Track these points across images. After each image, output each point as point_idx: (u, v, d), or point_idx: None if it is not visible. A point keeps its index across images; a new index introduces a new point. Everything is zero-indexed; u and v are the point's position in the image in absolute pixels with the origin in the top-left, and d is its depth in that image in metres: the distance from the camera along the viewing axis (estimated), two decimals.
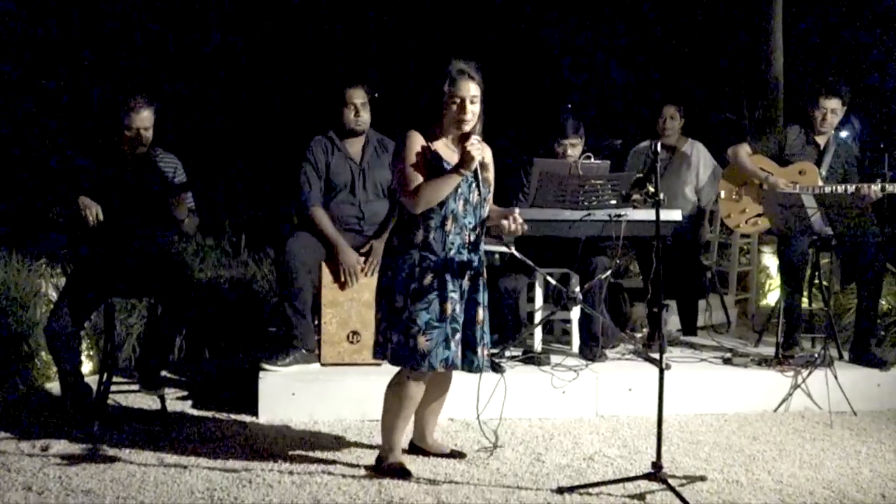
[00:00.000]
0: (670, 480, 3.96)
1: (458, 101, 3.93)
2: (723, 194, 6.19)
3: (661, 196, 3.98)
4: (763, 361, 5.56)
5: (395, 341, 3.99)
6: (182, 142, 9.56)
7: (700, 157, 6.62)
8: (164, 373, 5.78)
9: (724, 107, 10.35)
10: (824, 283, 6.00)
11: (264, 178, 8.54)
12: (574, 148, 5.69)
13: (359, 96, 5.38)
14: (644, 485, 4.03)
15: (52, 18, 10.26)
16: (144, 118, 4.69)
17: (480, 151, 3.87)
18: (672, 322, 6.82)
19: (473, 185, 3.98)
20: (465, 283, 4.04)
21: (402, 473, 4.10)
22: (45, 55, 10.13)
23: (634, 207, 5.39)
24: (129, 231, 4.71)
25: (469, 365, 4.09)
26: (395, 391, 4.11)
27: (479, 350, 4.08)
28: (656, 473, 3.96)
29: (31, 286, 6.04)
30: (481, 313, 4.08)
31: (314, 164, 5.39)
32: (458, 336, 4.01)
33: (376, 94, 5.46)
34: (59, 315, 4.64)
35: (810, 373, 5.33)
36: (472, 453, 4.47)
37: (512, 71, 11.52)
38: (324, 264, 5.27)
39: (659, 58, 11.88)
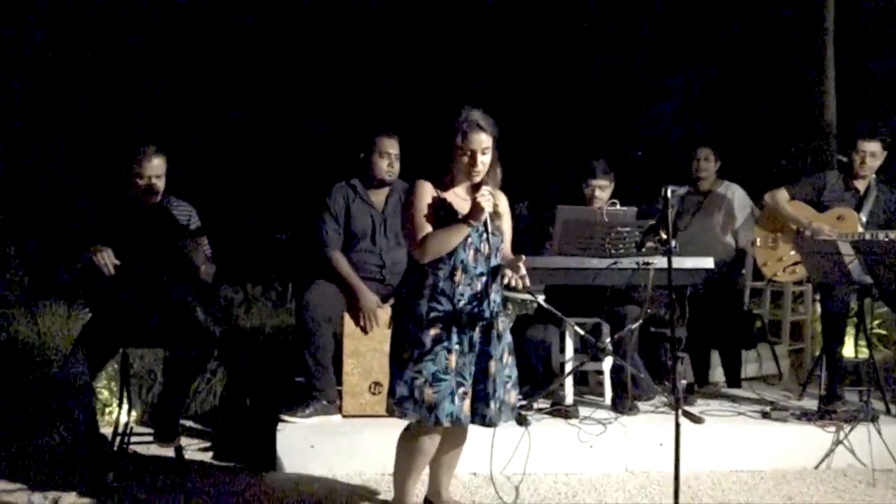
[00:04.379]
0: None
1: (468, 153, 3.85)
2: (759, 241, 5.99)
3: (674, 244, 3.83)
4: (804, 415, 5.31)
5: (401, 393, 3.88)
6: (222, 192, 9.75)
7: (736, 199, 6.43)
8: (190, 423, 5.80)
9: (776, 152, 10.10)
10: (869, 331, 5.74)
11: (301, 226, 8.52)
12: (602, 191, 5.56)
13: (393, 146, 5.34)
14: None
15: (62, 67, 10.43)
16: (156, 166, 4.67)
17: (491, 202, 3.77)
18: (717, 373, 6.61)
19: (484, 234, 3.88)
20: (476, 335, 3.91)
21: None
22: (55, 103, 10.30)
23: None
24: (144, 281, 4.68)
25: (482, 419, 3.94)
26: (405, 445, 3.99)
27: (493, 404, 3.93)
28: None
29: (74, 334, 6.05)
30: (493, 366, 3.92)
31: (332, 210, 5.34)
32: (463, 390, 3.86)
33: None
34: (73, 364, 4.60)
35: (853, 428, 5.08)
36: None
37: (544, 114, 11.46)
38: (346, 314, 5.20)
39: (709, 103, 11.71)
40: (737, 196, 6.46)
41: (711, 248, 6.24)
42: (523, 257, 3.86)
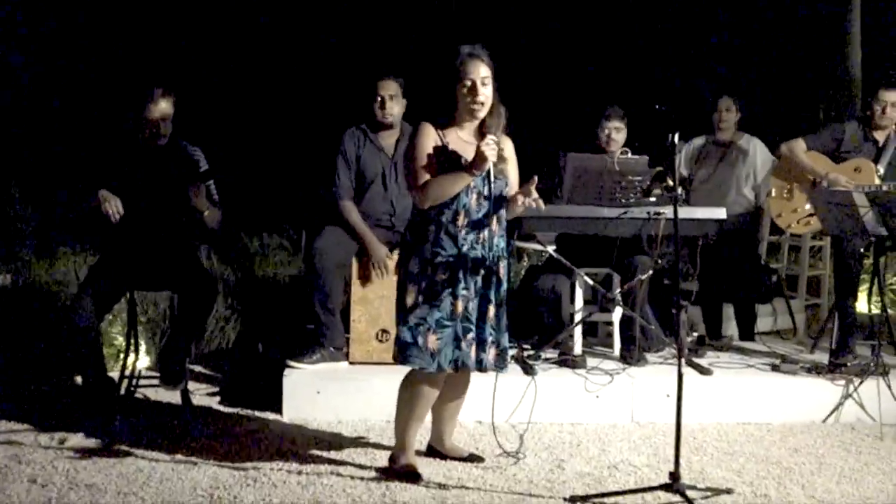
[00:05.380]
0: (689, 493, 3.76)
1: (468, 83, 3.78)
2: (773, 192, 5.91)
3: (680, 191, 3.77)
4: (814, 369, 5.26)
5: (404, 339, 3.87)
6: (238, 139, 9.71)
7: (757, 153, 6.34)
8: (200, 369, 5.82)
9: (797, 103, 9.95)
10: (886, 286, 5.66)
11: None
12: (618, 133, 5.50)
13: (386, 88, 5.27)
14: (663, 496, 3.82)
15: (67, 8, 10.36)
16: (163, 109, 4.64)
17: (495, 152, 3.70)
18: (731, 326, 6.56)
19: (487, 179, 3.82)
20: (479, 280, 3.88)
21: (412, 476, 3.98)
22: (60, 45, 10.23)
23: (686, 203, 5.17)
24: (150, 224, 4.68)
25: (478, 364, 3.92)
26: (406, 391, 3.99)
27: (490, 350, 3.92)
28: (673, 485, 3.75)
29: None
30: (492, 311, 3.90)
31: (345, 157, 5.31)
32: (471, 336, 3.85)
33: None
34: (80, 306, 4.61)
35: (862, 382, 5.02)
36: (491, 458, 4.31)
37: (554, 61, 11.33)
38: (354, 260, 5.18)
39: (727, 51, 11.51)
40: (759, 151, 6.37)
41: (734, 201, 6.19)
42: (535, 178, 3.78)
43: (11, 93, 9.76)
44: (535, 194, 3.78)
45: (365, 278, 5.17)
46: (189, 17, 10.70)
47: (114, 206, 4.48)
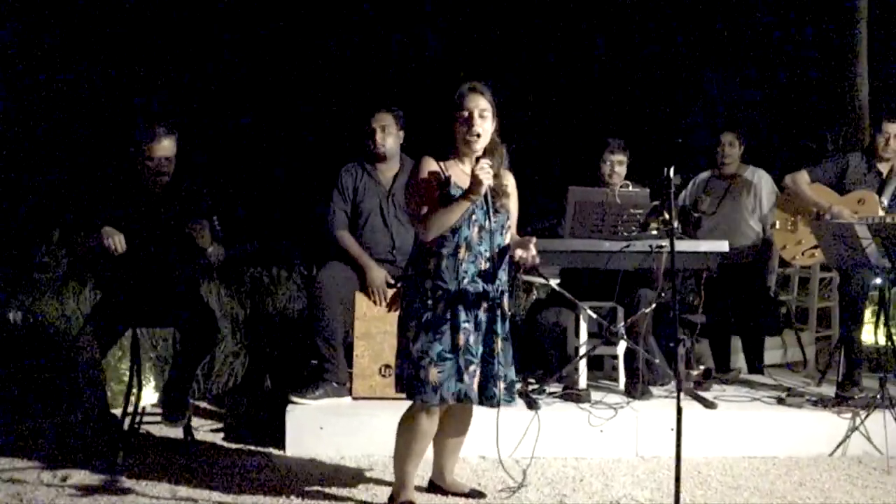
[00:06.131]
0: None
1: (465, 114, 3.80)
2: (777, 224, 5.90)
3: (676, 225, 3.77)
4: (820, 402, 5.23)
5: (406, 373, 3.87)
6: (247, 174, 9.79)
7: (763, 185, 6.35)
8: (205, 405, 5.83)
9: (804, 135, 9.98)
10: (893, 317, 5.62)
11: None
12: (621, 166, 5.52)
13: (379, 120, 5.31)
14: None
15: (72, 44, 10.48)
16: (165, 147, 4.67)
17: (490, 175, 3.72)
18: (739, 359, 6.53)
19: (488, 211, 3.83)
20: (482, 313, 3.87)
21: None
22: (63, 82, 10.34)
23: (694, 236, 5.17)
24: (153, 261, 4.70)
25: (489, 400, 3.90)
26: (406, 425, 3.97)
27: (500, 384, 3.89)
28: None
29: None
30: (499, 345, 3.89)
31: (341, 189, 5.35)
32: (473, 368, 3.83)
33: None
34: (82, 343, 4.63)
35: (868, 414, 4.99)
36: (493, 494, 4.30)
37: (558, 95, 11.40)
38: (357, 295, 5.18)
39: (739, 86, 11.57)
40: (764, 182, 6.38)
41: (740, 233, 6.19)
42: (534, 239, 3.82)
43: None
44: (534, 251, 3.83)
45: (367, 313, 5.17)
46: (197, 51, 10.80)
47: (117, 241, 4.49)
